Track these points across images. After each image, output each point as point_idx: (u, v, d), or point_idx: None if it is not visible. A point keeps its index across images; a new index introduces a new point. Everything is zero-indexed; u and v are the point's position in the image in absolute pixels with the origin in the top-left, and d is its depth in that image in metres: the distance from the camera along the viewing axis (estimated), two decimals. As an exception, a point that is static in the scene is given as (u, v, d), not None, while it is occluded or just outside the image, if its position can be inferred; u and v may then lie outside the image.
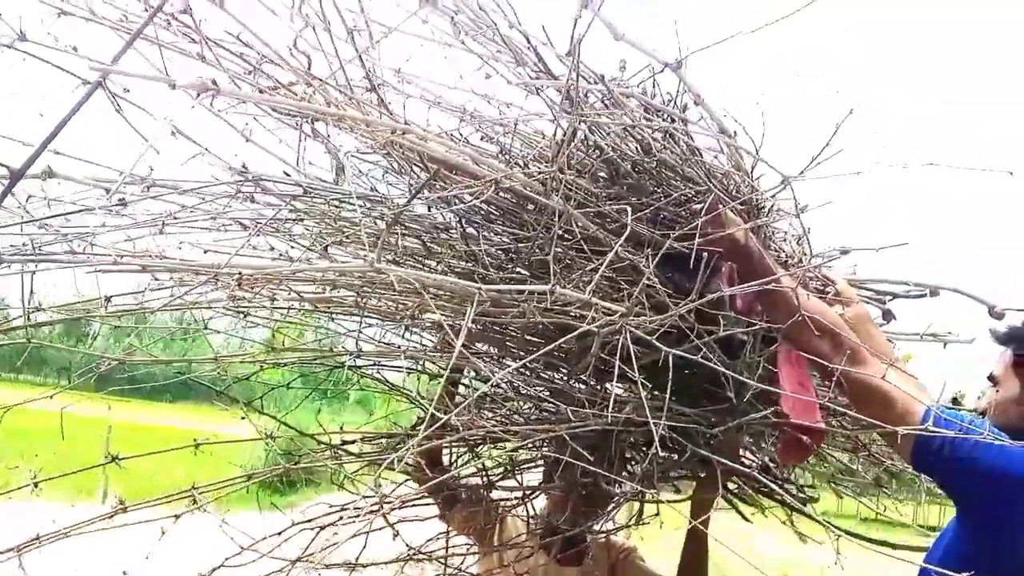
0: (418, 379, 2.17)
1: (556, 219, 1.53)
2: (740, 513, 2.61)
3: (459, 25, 1.52)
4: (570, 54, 1.40)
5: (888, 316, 2.42)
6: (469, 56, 1.64)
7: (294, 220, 1.72)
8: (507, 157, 1.84)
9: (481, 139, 1.85)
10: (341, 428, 1.96)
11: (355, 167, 1.83)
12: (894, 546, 2.05)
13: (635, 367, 1.51)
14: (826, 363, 1.86)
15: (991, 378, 1.99)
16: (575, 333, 1.47)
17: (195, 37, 1.54)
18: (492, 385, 1.70)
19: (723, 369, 1.84)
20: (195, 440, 1.65)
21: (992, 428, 1.74)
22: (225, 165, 1.69)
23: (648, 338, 1.60)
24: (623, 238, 1.53)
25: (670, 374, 1.76)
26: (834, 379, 1.85)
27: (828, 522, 2.29)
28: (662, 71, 1.62)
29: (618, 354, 1.53)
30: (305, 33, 1.54)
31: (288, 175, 1.70)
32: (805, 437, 2.00)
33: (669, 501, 2.39)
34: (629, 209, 1.69)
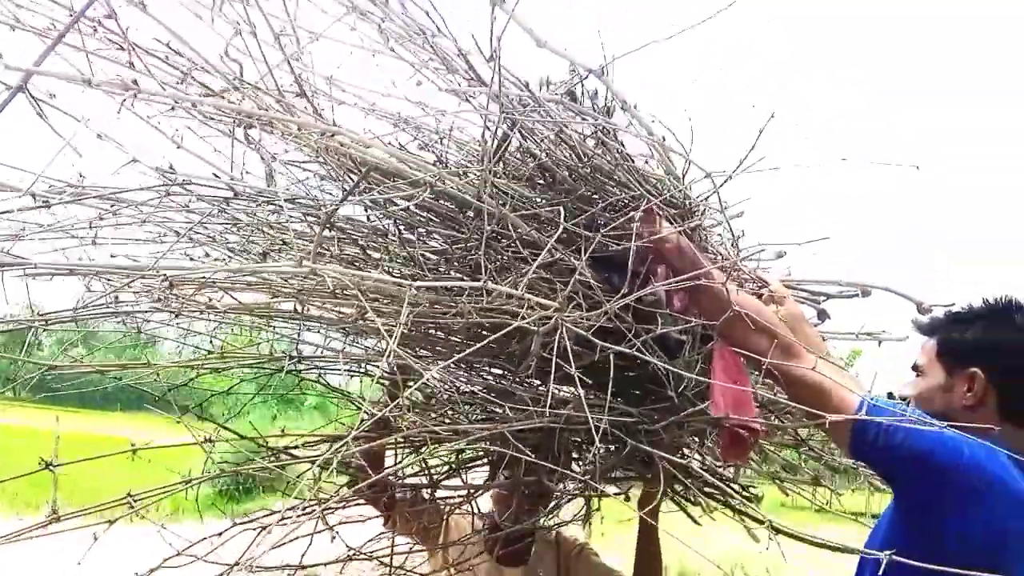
0: (361, 382, 2.18)
1: (487, 221, 1.56)
2: (688, 515, 2.66)
3: (387, 32, 1.54)
4: (492, 59, 1.43)
5: (823, 316, 2.48)
6: (400, 63, 1.66)
7: (228, 226, 1.72)
8: (443, 163, 1.87)
9: (419, 148, 1.87)
10: (283, 431, 1.96)
11: (290, 175, 1.84)
12: (834, 548, 2.09)
13: (572, 364, 1.54)
14: (761, 358, 1.89)
15: (915, 368, 2.03)
16: (509, 328, 1.50)
17: (123, 44, 1.54)
18: (423, 382, 1.71)
19: (660, 365, 1.89)
20: (132, 444, 1.63)
21: (922, 415, 1.77)
22: (154, 172, 1.69)
23: (585, 334, 1.63)
24: (555, 238, 1.56)
25: (610, 373, 1.80)
26: (767, 373, 1.89)
27: (770, 520, 2.35)
28: (586, 77, 1.65)
29: (555, 352, 1.56)
30: (233, 40, 1.55)
31: (217, 176, 1.70)
32: (743, 432, 2.05)
33: (614, 494, 2.42)
34: (562, 210, 1.73)
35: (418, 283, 1.31)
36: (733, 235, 2.30)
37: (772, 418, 2.36)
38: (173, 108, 1.62)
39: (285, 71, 1.53)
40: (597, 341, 1.66)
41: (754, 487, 2.62)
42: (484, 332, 1.90)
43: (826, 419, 1.71)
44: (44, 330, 1.79)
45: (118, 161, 1.75)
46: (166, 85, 1.65)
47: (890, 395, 2.41)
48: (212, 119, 1.69)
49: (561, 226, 1.64)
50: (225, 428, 1.84)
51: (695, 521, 2.66)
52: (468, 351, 1.57)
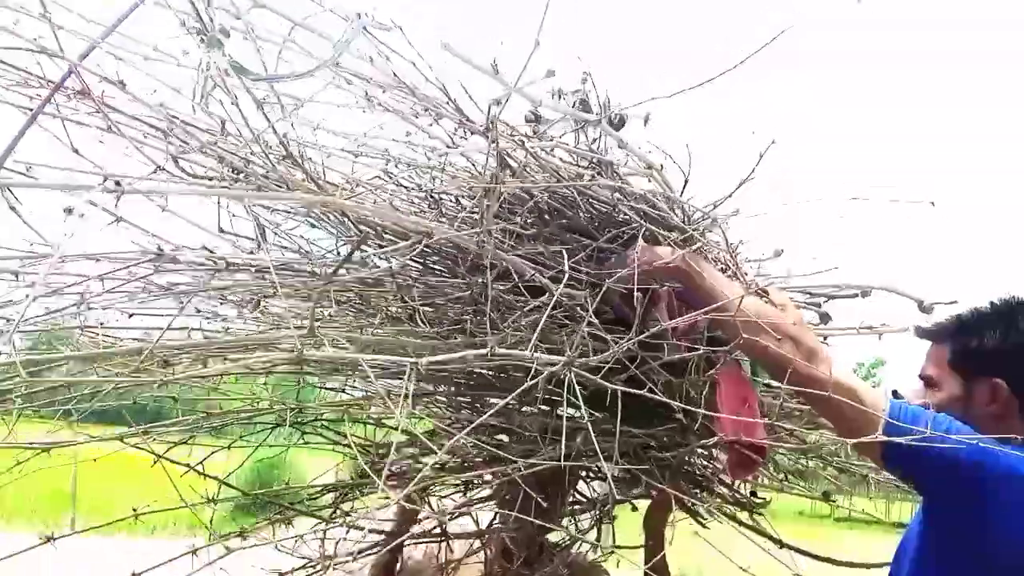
0: (364, 427, 2.15)
1: (489, 272, 1.52)
2: (698, 520, 2.64)
3: (373, 97, 1.49)
4: (489, 129, 1.37)
5: (825, 318, 2.45)
6: (388, 114, 1.60)
7: (220, 291, 1.67)
8: (436, 201, 1.81)
9: (409, 191, 1.81)
10: (287, 483, 1.93)
11: (281, 226, 1.79)
12: (838, 563, 2.07)
13: (581, 403, 1.51)
14: (790, 364, 1.77)
15: (925, 377, 1.96)
16: (520, 390, 1.46)
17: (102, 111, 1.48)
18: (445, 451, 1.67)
19: (667, 399, 1.85)
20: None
21: (956, 424, 1.69)
22: (143, 235, 1.63)
23: (593, 377, 1.59)
24: (562, 284, 1.52)
25: (619, 405, 1.76)
26: (793, 382, 1.80)
27: (780, 539, 2.34)
28: (583, 127, 1.60)
29: (565, 389, 1.52)
30: (214, 103, 1.49)
31: (208, 249, 1.65)
32: (751, 452, 2.03)
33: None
34: (565, 252, 1.68)
35: (425, 360, 1.26)
36: (729, 246, 2.26)
37: (786, 427, 2.34)
38: (156, 171, 1.56)
39: (271, 132, 1.47)
40: (606, 384, 1.63)
41: (764, 497, 2.59)
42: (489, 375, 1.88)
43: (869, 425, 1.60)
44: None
45: (101, 220, 1.70)
46: (145, 145, 1.60)
47: (895, 393, 2.39)
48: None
49: (566, 272, 1.59)
50: (226, 484, 1.81)
51: (703, 524, 2.66)
52: (486, 415, 1.53)
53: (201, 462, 1.86)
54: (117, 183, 1.00)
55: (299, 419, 1.94)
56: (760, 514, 2.47)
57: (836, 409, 1.72)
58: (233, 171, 1.63)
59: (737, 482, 2.56)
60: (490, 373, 1.97)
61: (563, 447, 1.81)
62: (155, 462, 1.77)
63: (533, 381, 1.44)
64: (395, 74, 1.54)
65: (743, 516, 2.52)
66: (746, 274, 2.28)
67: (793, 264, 2.43)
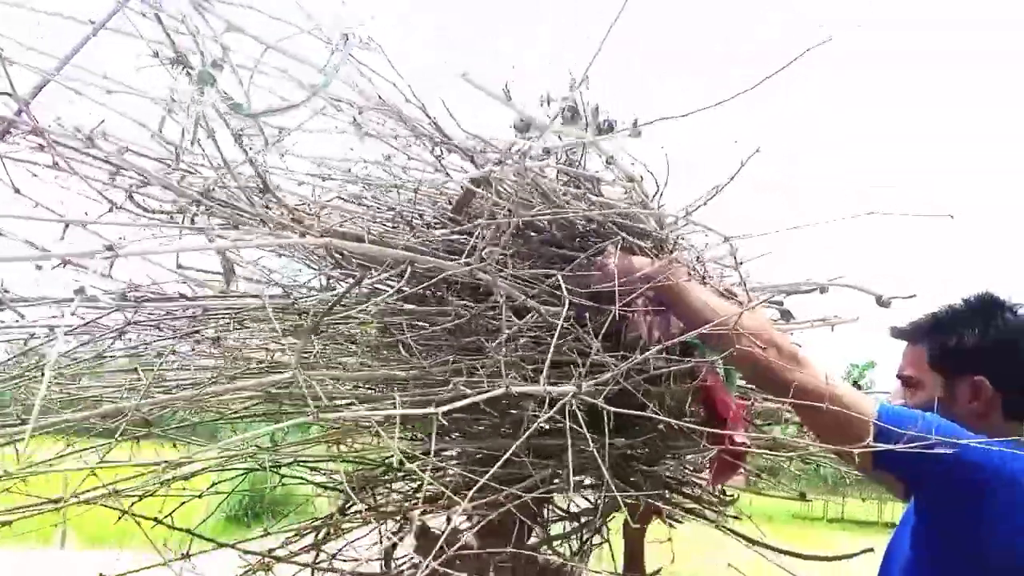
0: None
1: (494, 298, 1.45)
2: (667, 523, 2.64)
3: (360, 124, 1.39)
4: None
5: (787, 316, 2.48)
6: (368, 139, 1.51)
7: (194, 334, 1.54)
8: (411, 225, 1.73)
9: (391, 216, 1.71)
10: (265, 531, 1.82)
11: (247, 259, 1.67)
12: (821, 558, 2.10)
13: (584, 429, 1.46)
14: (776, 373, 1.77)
15: (903, 377, 1.98)
16: (530, 431, 1.40)
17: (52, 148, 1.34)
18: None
19: (663, 416, 1.82)
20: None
21: (945, 423, 1.68)
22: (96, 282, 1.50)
23: (595, 401, 1.54)
24: (563, 318, 1.47)
25: (608, 420, 1.72)
26: (777, 390, 1.79)
27: (750, 539, 2.35)
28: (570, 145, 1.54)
29: (567, 417, 1.46)
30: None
31: (183, 296, 1.52)
32: (732, 459, 2.03)
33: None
34: (551, 272, 1.63)
35: (443, 408, 1.19)
36: (698, 254, 2.25)
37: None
38: (111, 210, 1.43)
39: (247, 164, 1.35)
40: (608, 407, 1.58)
41: (731, 495, 2.59)
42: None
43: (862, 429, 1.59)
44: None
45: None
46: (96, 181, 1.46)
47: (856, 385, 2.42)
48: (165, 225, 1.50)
49: (564, 295, 1.54)
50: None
51: (677, 521, 2.65)
52: (503, 458, 1.46)
53: (171, 513, 1.75)
54: (110, 247, 0.90)
55: (275, 461, 1.82)
56: (736, 516, 2.48)
57: (827, 416, 1.68)
58: (196, 204, 1.51)
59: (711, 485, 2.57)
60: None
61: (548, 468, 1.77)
62: (121, 517, 1.64)
63: (548, 413, 1.39)
64: (380, 96, 1.45)
65: (713, 515, 2.53)
66: (711, 276, 2.29)
67: (761, 264, 2.43)
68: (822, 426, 1.79)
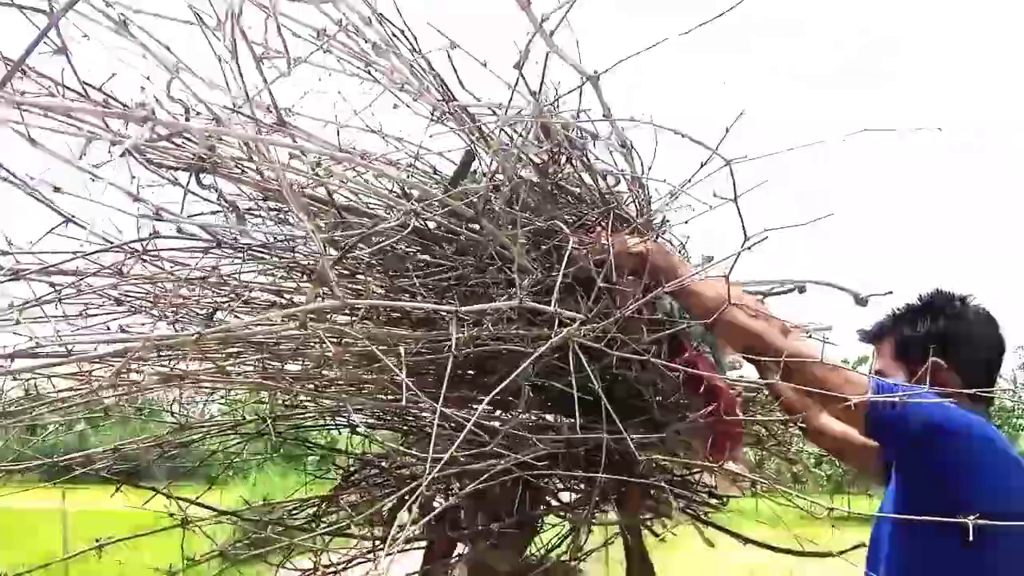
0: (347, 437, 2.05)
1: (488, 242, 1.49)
2: (652, 532, 2.62)
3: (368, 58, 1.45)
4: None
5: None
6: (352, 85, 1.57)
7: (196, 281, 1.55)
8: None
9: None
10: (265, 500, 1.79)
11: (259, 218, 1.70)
12: (810, 555, 2.14)
13: (592, 375, 1.48)
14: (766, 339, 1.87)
15: (877, 372, 2.06)
16: (545, 348, 1.41)
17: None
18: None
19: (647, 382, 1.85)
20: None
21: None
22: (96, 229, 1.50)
23: (598, 346, 1.57)
24: (568, 249, 1.50)
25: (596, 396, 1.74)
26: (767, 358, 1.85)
27: (738, 533, 2.37)
28: (583, 84, 1.59)
29: (570, 366, 1.49)
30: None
31: (188, 233, 1.54)
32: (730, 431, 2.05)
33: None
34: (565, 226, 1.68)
35: (464, 308, 1.21)
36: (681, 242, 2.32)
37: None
38: (124, 155, 1.45)
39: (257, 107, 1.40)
40: (609, 352, 1.60)
41: (722, 498, 2.59)
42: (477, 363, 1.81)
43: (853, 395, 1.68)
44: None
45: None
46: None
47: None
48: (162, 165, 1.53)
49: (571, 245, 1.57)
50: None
51: (656, 534, 2.63)
52: (515, 373, 1.46)
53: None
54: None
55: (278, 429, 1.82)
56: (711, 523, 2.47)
57: (819, 379, 1.78)
58: (200, 159, 1.54)
59: (697, 481, 2.57)
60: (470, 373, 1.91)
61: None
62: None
63: (555, 340, 1.40)
64: (393, 36, 1.51)
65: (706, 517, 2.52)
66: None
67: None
68: (817, 388, 1.83)
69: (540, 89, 1.52)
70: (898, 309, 2.10)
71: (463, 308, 1.22)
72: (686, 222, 2.26)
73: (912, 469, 1.88)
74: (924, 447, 1.80)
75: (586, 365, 1.55)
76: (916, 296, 2.10)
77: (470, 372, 1.93)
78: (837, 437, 2.18)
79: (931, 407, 1.75)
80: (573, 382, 1.48)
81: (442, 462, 1.26)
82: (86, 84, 1.51)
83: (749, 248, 1.54)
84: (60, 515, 11.22)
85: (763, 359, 1.91)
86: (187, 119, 1.54)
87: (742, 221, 1.50)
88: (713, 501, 2.50)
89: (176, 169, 1.57)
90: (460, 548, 2.34)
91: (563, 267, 1.51)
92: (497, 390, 1.39)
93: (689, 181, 2.08)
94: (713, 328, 1.94)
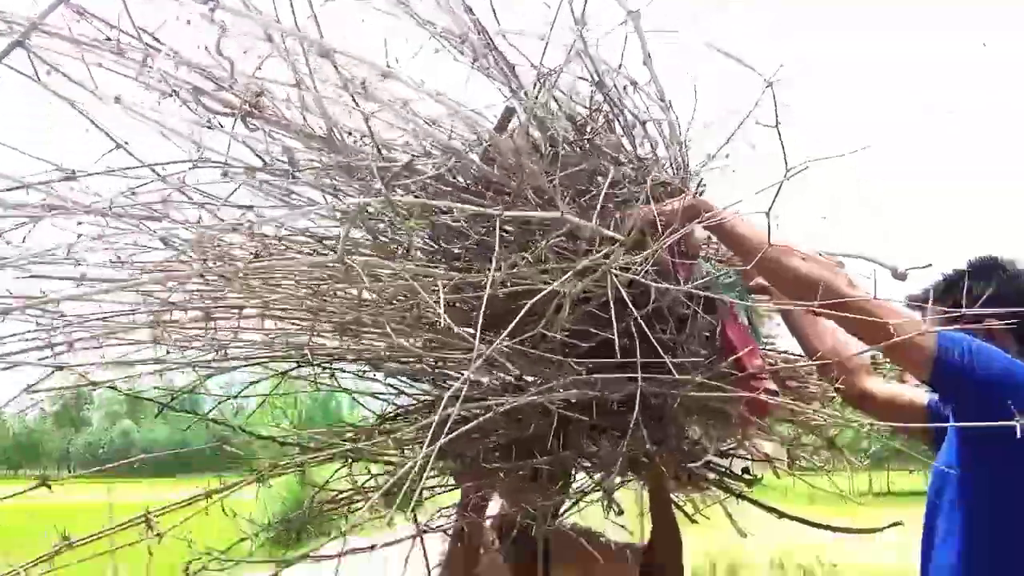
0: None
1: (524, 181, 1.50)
2: (683, 512, 2.60)
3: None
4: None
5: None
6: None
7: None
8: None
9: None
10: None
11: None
12: (836, 529, 2.13)
13: (630, 305, 1.48)
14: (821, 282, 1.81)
15: None
16: (579, 267, 1.42)
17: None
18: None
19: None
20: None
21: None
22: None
23: (639, 278, 1.56)
24: (602, 191, 1.52)
25: (637, 343, 1.74)
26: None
27: (773, 507, 2.35)
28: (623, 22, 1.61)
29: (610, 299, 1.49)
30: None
31: (234, 168, 1.59)
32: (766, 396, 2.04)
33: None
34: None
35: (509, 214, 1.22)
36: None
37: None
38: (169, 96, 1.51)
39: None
40: (650, 283, 1.60)
41: (755, 474, 2.56)
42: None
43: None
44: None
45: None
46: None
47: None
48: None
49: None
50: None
51: (689, 518, 2.60)
52: (548, 289, 1.47)
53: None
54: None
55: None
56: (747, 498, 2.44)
57: (882, 323, 1.76)
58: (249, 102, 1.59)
59: (732, 457, 2.54)
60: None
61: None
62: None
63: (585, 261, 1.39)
64: None
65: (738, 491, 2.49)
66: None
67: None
68: (874, 336, 1.84)
69: (581, 19, 1.53)
70: (949, 274, 2.13)
71: (507, 213, 1.24)
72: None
73: (977, 417, 1.79)
74: (995, 395, 1.72)
75: (624, 295, 1.52)
76: (966, 263, 2.14)
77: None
78: (883, 398, 2.20)
79: (1000, 357, 1.81)
80: (611, 304, 1.47)
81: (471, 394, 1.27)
82: (140, 29, 1.58)
83: (789, 178, 1.51)
84: (106, 508, 11.58)
85: (817, 308, 1.79)
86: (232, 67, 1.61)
87: (783, 149, 1.48)
88: (747, 477, 2.48)
89: (225, 115, 1.62)
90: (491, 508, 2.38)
91: (604, 186, 1.50)
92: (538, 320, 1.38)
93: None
94: (761, 271, 1.94)
